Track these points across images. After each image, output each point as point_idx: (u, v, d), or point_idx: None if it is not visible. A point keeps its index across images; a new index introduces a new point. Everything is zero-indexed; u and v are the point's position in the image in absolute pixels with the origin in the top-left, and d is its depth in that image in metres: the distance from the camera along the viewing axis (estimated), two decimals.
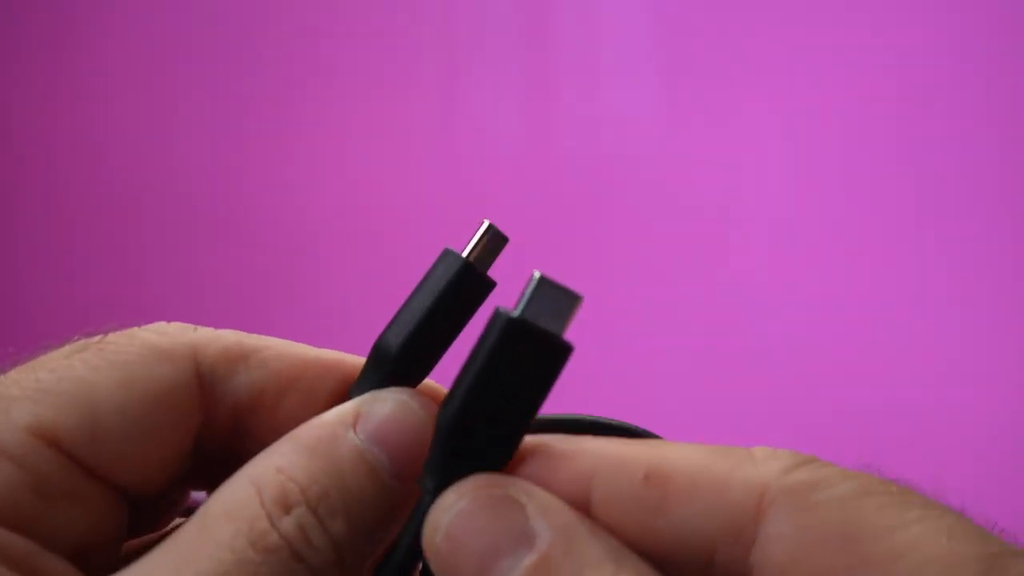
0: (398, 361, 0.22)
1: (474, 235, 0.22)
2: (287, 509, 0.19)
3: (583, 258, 1.13)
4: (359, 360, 0.23)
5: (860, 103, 1.04)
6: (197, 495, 0.24)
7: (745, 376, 1.06)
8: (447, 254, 0.22)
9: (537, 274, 0.19)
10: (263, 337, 0.23)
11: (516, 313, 0.19)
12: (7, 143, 1.43)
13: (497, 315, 0.19)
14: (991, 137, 0.99)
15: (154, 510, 0.24)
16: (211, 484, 0.24)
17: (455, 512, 0.18)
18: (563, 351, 0.19)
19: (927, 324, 1.01)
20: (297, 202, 1.28)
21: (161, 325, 0.22)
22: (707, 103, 1.10)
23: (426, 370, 0.23)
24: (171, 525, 0.24)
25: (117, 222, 1.37)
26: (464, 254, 0.22)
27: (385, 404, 0.21)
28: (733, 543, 0.18)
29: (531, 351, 0.19)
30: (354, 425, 0.20)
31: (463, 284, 0.22)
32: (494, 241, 0.22)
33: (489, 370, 0.19)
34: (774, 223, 1.07)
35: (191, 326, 0.23)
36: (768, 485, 0.18)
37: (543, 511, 0.18)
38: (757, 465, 0.19)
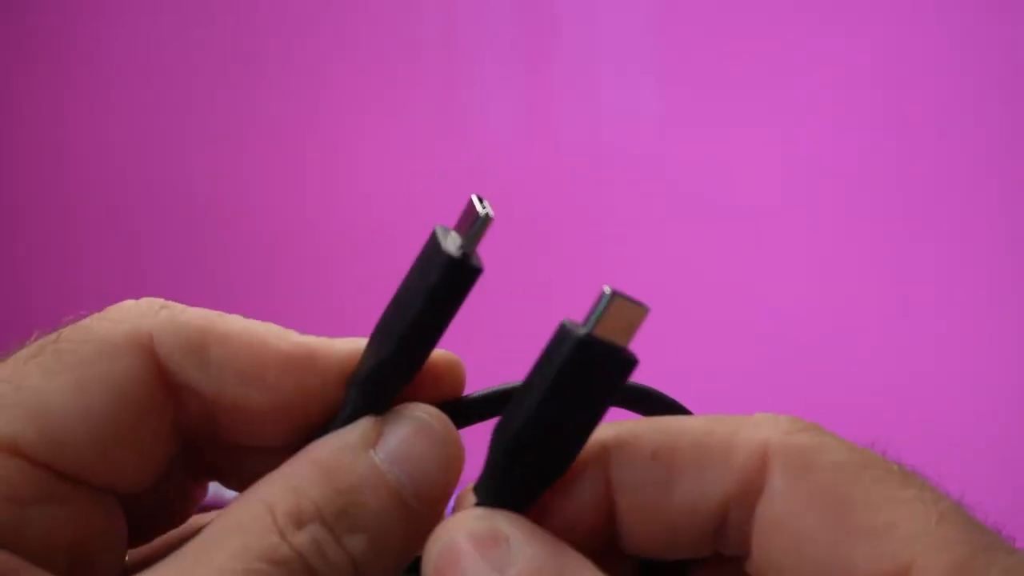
0: (396, 366, 0.21)
1: (471, 227, 0.20)
2: (300, 525, 0.19)
3: (582, 256, 1.13)
4: (331, 347, 0.22)
5: (857, 102, 1.04)
6: (222, 492, 0.24)
7: (740, 374, 1.06)
8: (439, 255, 0.20)
9: (608, 290, 0.19)
10: (232, 321, 0.22)
11: (586, 331, 0.19)
12: (14, 143, 1.43)
13: (566, 332, 0.19)
14: (994, 139, 0.99)
15: (162, 507, 0.23)
16: (221, 474, 0.23)
17: (443, 544, 0.19)
18: (628, 364, 0.19)
19: (925, 323, 1.01)
20: (298, 202, 1.28)
21: (118, 310, 0.21)
22: (706, 102, 1.10)
23: (424, 360, 0.22)
24: (189, 523, 0.24)
25: (124, 224, 1.37)
26: (457, 253, 0.20)
27: (407, 424, 0.20)
28: (742, 502, 0.18)
29: (597, 366, 0.19)
30: (375, 444, 0.20)
31: (456, 282, 0.20)
32: (484, 226, 0.20)
33: (555, 388, 0.19)
34: (773, 223, 1.07)
35: (156, 304, 0.22)
36: (770, 442, 0.18)
37: (523, 541, 0.19)
38: (758, 426, 0.19)
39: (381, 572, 0.20)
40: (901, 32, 1.02)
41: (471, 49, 1.21)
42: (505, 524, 0.19)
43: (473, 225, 0.20)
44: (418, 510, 0.20)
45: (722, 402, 1.10)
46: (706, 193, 1.09)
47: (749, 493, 0.18)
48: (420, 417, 0.21)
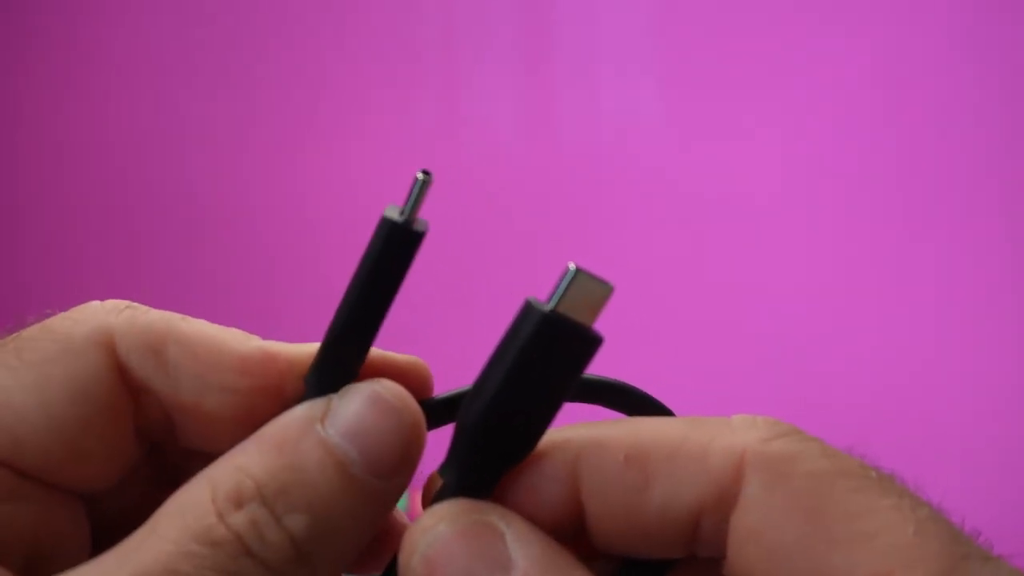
0: (346, 341, 0.21)
1: (410, 193, 0.20)
2: (239, 505, 0.18)
3: (582, 256, 1.13)
4: (290, 351, 0.21)
5: (857, 102, 1.04)
6: None
7: (740, 374, 1.06)
8: (381, 223, 0.20)
9: (572, 266, 0.18)
10: (193, 324, 0.21)
11: (550, 307, 0.18)
12: (14, 143, 1.43)
13: (530, 309, 0.18)
14: (994, 139, 0.99)
15: (128, 517, 0.22)
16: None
17: (433, 535, 0.18)
18: (593, 342, 0.19)
19: (925, 323, 1.01)
20: (298, 202, 1.28)
21: (81, 310, 0.21)
22: (704, 103, 1.10)
23: (374, 333, 0.21)
24: None
25: (125, 224, 1.37)
26: (402, 218, 0.20)
27: (355, 397, 0.20)
28: (716, 510, 0.18)
29: (562, 344, 0.18)
30: (322, 420, 0.19)
31: (402, 247, 0.20)
32: (421, 188, 0.21)
33: (520, 366, 0.18)
34: (773, 223, 1.07)
35: (119, 306, 0.21)
36: (747, 450, 0.18)
37: (521, 539, 0.18)
38: (735, 432, 0.18)
39: (333, 552, 0.19)
40: (901, 32, 1.02)
41: (471, 49, 1.21)
42: (496, 518, 0.18)
43: (411, 190, 0.20)
44: (372, 485, 0.19)
45: (722, 402, 1.10)
46: (706, 193, 1.09)
47: (724, 500, 0.18)
48: (372, 389, 0.20)
